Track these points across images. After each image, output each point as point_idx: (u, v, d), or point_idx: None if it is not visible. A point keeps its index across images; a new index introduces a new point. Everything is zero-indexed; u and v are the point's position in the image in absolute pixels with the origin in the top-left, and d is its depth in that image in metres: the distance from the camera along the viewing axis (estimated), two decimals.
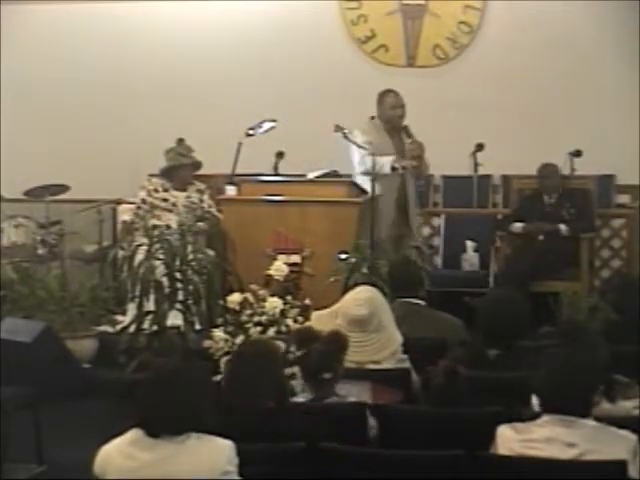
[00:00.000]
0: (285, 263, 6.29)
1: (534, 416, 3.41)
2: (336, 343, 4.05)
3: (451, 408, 3.82)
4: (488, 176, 8.94)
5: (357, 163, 7.09)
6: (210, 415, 3.25)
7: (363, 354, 4.37)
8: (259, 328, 5.70)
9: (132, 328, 6.07)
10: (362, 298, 4.59)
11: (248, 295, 5.85)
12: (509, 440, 3.35)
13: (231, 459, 3.19)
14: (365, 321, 4.49)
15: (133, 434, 3.20)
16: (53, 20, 9.85)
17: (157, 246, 6.13)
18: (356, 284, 5.54)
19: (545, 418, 3.33)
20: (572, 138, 8.61)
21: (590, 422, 3.32)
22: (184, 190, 7.50)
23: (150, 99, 9.56)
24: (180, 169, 7.51)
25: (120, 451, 3.19)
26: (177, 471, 3.12)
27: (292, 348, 4.99)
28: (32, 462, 5.03)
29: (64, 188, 8.62)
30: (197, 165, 7.64)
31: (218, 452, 3.17)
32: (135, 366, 5.77)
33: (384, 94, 7.25)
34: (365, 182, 6.91)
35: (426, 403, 4.00)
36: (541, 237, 7.70)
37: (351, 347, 4.30)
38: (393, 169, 7.04)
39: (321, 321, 4.65)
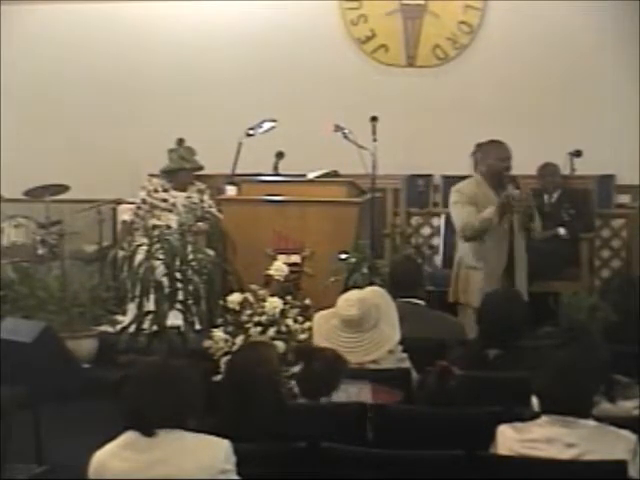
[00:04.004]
0: (285, 263, 6.29)
1: (534, 416, 3.41)
2: (334, 366, 4.06)
3: (443, 409, 3.82)
4: None
5: (460, 224, 6.26)
6: (202, 411, 3.25)
7: (354, 354, 4.37)
8: (259, 328, 5.71)
9: (132, 328, 6.08)
10: (353, 299, 4.58)
11: (248, 295, 5.85)
12: (509, 440, 3.35)
13: (229, 457, 3.18)
14: (356, 321, 4.49)
15: (126, 438, 3.19)
16: (53, 20, 9.84)
17: (157, 246, 6.13)
18: (355, 286, 5.54)
19: (545, 418, 3.33)
20: (572, 138, 8.62)
21: (590, 422, 3.32)
22: (184, 190, 7.51)
23: (150, 99, 9.56)
24: (180, 172, 7.53)
25: (115, 456, 3.17)
26: (176, 471, 3.12)
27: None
28: (32, 462, 5.03)
29: (64, 188, 8.62)
30: (198, 169, 7.65)
31: (216, 451, 3.17)
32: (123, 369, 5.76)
33: (489, 145, 6.44)
34: (471, 249, 6.24)
35: (420, 403, 4.00)
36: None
37: (344, 347, 4.32)
38: (504, 206, 6.10)
39: (322, 321, 4.65)
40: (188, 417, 3.20)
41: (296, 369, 4.20)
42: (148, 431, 3.14)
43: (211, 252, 6.44)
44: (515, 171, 7.91)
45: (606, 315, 5.48)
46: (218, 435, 3.22)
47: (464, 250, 6.37)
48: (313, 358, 4.08)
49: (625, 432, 3.31)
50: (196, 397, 3.25)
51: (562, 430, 3.28)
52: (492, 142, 6.45)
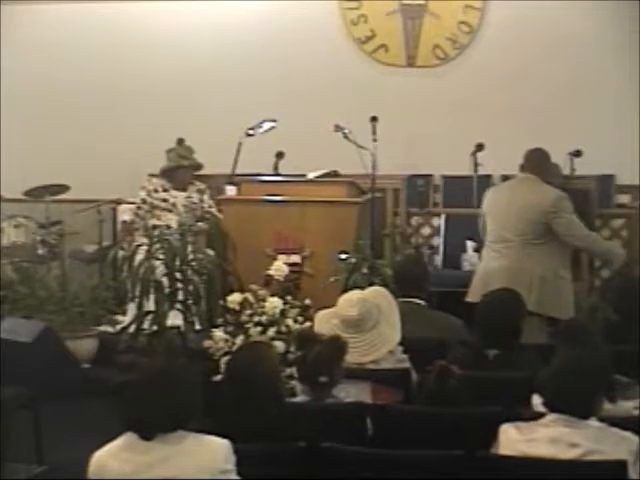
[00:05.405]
0: (285, 263, 6.29)
1: (534, 416, 3.41)
2: (334, 347, 4.05)
3: (443, 409, 3.82)
4: (488, 176, 8.92)
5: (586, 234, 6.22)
6: (201, 412, 3.25)
7: (354, 354, 4.36)
8: (259, 328, 5.71)
9: (132, 328, 6.07)
10: (354, 299, 4.58)
11: (248, 295, 5.85)
12: (512, 440, 3.35)
13: (228, 457, 3.18)
14: (356, 322, 4.49)
15: (126, 438, 3.18)
16: (53, 21, 9.85)
17: (157, 246, 6.13)
18: (355, 286, 5.53)
19: (550, 417, 3.33)
20: (572, 138, 8.61)
21: (594, 423, 3.33)
22: (184, 190, 7.51)
23: (150, 99, 9.56)
24: (179, 170, 7.52)
25: (115, 456, 3.16)
26: (176, 471, 3.11)
27: (292, 348, 5.00)
28: (32, 462, 5.03)
29: (64, 188, 8.63)
30: (197, 167, 7.64)
31: (216, 451, 3.17)
32: (119, 368, 5.75)
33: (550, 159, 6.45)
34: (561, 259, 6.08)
35: (420, 404, 4.00)
36: None
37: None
38: None
39: (322, 320, 4.65)
40: (188, 419, 3.20)
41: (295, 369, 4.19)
42: (148, 435, 3.14)
43: (211, 252, 6.43)
44: (515, 171, 7.92)
45: (606, 315, 5.47)
46: (218, 435, 3.21)
47: (547, 261, 6.06)
48: (313, 342, 4.07)
49: (628, 434, 3.31)
50: (196, 399, 3.24)
51: (566, 430, 3.28)
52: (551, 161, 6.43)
